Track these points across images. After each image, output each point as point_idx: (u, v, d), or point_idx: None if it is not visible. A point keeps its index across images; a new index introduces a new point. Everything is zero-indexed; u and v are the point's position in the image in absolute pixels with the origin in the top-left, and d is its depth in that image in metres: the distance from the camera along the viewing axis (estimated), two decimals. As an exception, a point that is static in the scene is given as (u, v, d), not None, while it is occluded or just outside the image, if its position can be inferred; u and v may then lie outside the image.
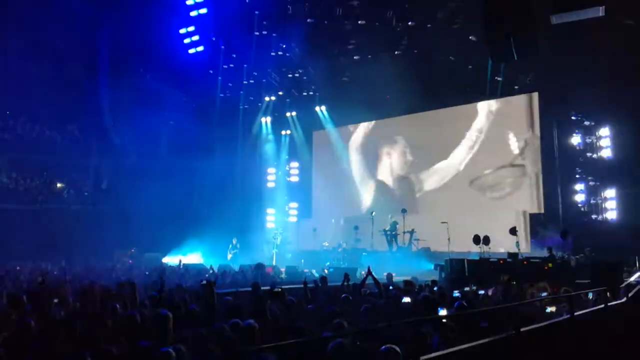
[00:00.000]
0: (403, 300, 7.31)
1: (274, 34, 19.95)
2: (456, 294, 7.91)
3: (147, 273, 14.37)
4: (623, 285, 9.84)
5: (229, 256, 20.45)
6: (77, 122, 23.03)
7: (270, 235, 22.13)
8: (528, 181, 17.80)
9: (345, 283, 9.01)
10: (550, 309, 7.08)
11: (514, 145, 18.24)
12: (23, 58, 19.30)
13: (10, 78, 19.10)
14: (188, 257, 20.11)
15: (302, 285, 8.37)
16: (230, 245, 20.75)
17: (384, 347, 4.01)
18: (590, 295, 8.27)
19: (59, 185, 23.65)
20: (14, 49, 19.14)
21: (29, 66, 19.51)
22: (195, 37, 20.10)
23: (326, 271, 15.82)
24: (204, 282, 6.99)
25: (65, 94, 18.61)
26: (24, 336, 4.68)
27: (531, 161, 17.80)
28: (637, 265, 12.96)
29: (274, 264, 18.67)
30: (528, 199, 17.67)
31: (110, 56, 19.95)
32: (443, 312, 5.99)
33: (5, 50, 18.70)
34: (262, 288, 8.31)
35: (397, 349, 3.88)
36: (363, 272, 11.80)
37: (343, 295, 7.28)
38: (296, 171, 25.18)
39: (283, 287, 8.93)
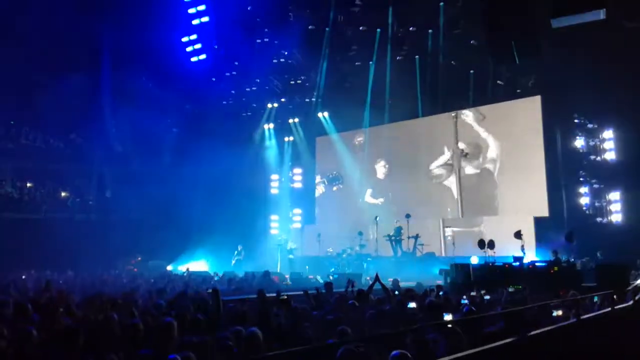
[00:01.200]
0: (409, 306, 7.30)
1: (275, 41, 20.03)
2: (464, 301, 7.89)
3: (152, 280, 14.37)
4: (629, 288, 9.79)
5: (233, 262, 20.47)
6: (80, 130, 23.12)
7: (275, 241, 22.14)
8: (532, 184, 17.74)
9: (350, 289, 8.99)
10: (557, 313, 7.03)
11: (515, 150, 18.19)
12: (26, 67, 19.40)
13: (13, 87, 19.22)
14: (193, 264, 20.13)
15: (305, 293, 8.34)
16: (236, 252, 20.77)
17: (396, 352, 3.99)
18: (597, 299, 8.23)
19: (63, 194, 23.72)
20: (17, 59, 19.24)
21: (32, 75, 19.63)
22: (198, 45, 20.22)
23: (331, 277, 15.81)
24: (210, 290, 6.99)
25: (68, 102, 18.69)
26: (27, 345, 4.67)
27: (535, 164, 17.75)
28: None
29: (278, 270, 18.67)
30: (533, 202, 17.61)
31: (113, 64, 20.06)
32: (448, 317, 5.97)
33: (8, 60, 18.79)
34: (268, 295, 8.28)
35: (408, 354, 3.87)
36: (368, 278, 11.77)
37: (350, 301, 7.26)
38: (299, 177, 25.19)
39: (288, 293, 8.90)
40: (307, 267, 20.04)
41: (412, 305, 7.01)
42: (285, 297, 7.30)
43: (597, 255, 12.97)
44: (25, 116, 22.26)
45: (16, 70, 19.22)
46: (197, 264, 20.56)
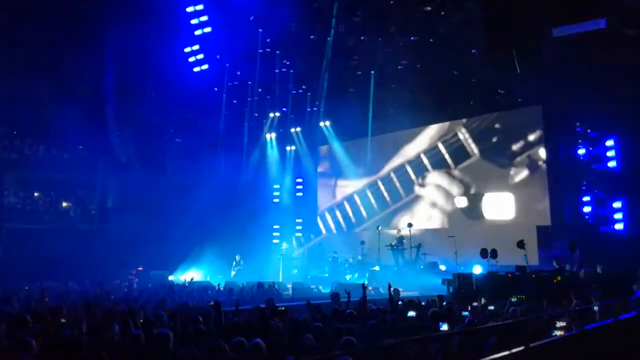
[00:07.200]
0: (408, 314, 7.30)
1: (277, 51, 20.14)
2: (465, 312, 7.87)
3: (147, 286, 14.34)
4: (634, 298, 9.72)
5: (232, 273, 20.42)
6: (83, 140, 23.19)
7: (278, 251, 22.13)
8: (535, 193, 17.72)
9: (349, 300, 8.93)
10: (560, 324, 6.99)
11: (519, 158, 18.19)
12: (29, 77, 19.51)
13: (17, 98, 19.31)
14: (194, 274, 20.09)
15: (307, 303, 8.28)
16: (234, 262, 20.72)
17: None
18: (597, 308, 8.17)
19: (65, 204, 23.75)
20: (20, 69, 19.37)
21: (35, 86, 19.73)
22: (200, 56, 20.32)
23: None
24: (212, 303, 6.99)
25: (71, 112, 18.78)
26: (27, 357, 4.66)
27: (537, 173, 17.75)
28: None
29: (280, 280, 18.62)
30: (535, 211, 17.57)
31: (116, 75, 20.15)
32: (445, 327, 5.97)
33: (12, 71, 18.91)
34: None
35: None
36: (370, 288, 11.72)
37: (347, 311, 7.24)
38: (301, 186, 25.19)
39: (290, 303, 8.88)
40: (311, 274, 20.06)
41: (412, 314, 7.01)
42: (283, 308, 7.28)
43: (597, 269, 12.82)
44: (29, 127, 22.35)
45: (19, 80, 19.35)
46: (198, 274, 20.51)
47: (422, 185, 20.79)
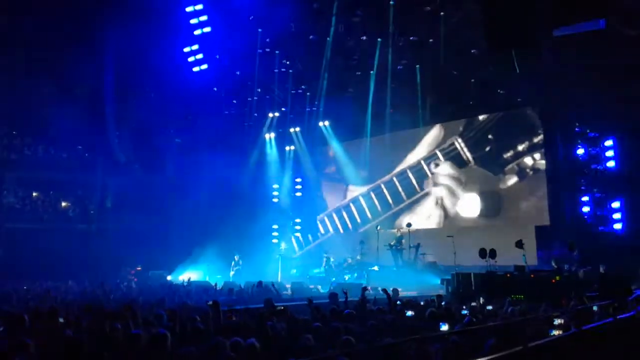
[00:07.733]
0: (407, 314, 7.31)
1: (277, 51, 20.14)
2: (464, 311, 7.88)
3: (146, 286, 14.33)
4: (632, 297, 9.74)
5: (231, 273, 20.43)
6: (82, 140, 23.19)
7: (277, 251, 22.13)
8: (533, 193, 17.73)
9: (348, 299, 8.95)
10: (559, 322, 7.01)
11: (518, 158, 18.20)
12: (29, 77, 19.51)
13: (16, 97, 19.31)
14: (193, 274, 20.09)
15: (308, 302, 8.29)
16: (233, 262, 20.72)
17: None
18: (596, 308, 8.19)
19: (64, 204, 23.74)
20: (21, 69, 19.36)
21: (35, 85, 19.72)
22: (199, 56, 20.32)
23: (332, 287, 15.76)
24: (210, 302, 6.99)
25: (71, 112, 18.79)
26: (24, 356, 4.66)
27: (536, 173, 17.77)
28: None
29: (279, 280, 18.62)
30: (534, 211, 17.59)
31: (115, 74, 20.14)
32: (445, 327, 5.97)
33: (12, 70, 18.91)
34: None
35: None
36: (370, 288, 11.74)
37: (347, 310, 7.25)
38: (300, 186, 25.19)
39: (289, 303, 8.88)
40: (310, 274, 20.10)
41: (410, 313, 7.02)
42: (282, 308, 7.29)
43: (600, 269, 12.82)
44: (28, 126, 22.35)
45: (19, 80, 19.35)
46: (198, 274, 20.51)
47: (421, 184, 20.78)
